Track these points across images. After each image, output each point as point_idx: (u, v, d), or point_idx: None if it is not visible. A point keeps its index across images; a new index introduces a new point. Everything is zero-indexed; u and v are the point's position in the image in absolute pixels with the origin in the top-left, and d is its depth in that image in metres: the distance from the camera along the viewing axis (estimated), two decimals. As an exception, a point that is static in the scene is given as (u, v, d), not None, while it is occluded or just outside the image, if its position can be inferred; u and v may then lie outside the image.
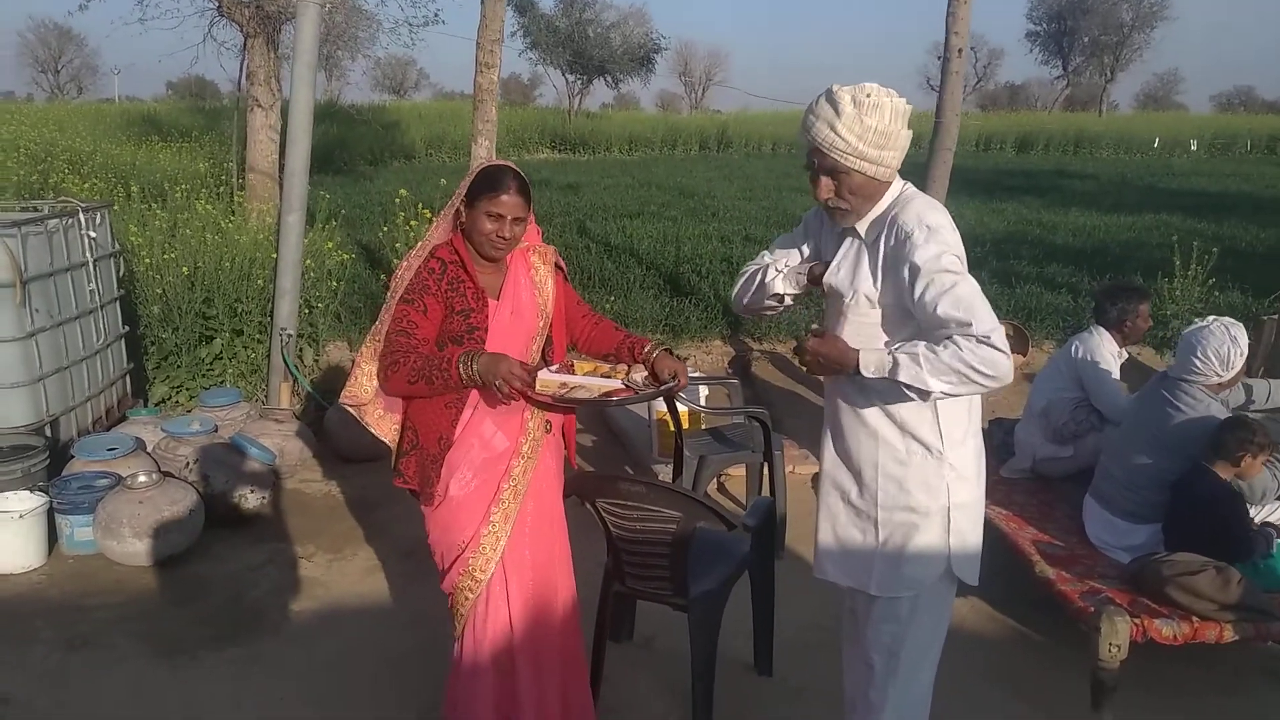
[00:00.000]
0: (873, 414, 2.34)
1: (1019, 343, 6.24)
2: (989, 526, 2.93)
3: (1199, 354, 3.47)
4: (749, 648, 3.35)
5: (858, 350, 2.21)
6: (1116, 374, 4.17)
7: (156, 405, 5.47)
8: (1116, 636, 2.92)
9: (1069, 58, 45.19)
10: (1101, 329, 4.22)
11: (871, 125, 2.15)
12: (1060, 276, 8.49)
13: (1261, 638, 3.06)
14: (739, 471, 4.89)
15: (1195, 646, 3.03)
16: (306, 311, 5.89)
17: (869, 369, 2.18)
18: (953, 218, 2.27)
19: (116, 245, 5.26)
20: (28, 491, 3.99)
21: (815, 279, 2.42)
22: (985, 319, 2.09)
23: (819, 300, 2.51)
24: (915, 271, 2.15)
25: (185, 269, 5.58)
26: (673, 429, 4.21)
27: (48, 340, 4.45)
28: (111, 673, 3.28)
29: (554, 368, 2.58)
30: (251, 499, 4.34)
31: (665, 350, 2.64)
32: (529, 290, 2.60)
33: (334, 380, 5.81)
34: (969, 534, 2.38)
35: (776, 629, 3.34)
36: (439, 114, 26.98)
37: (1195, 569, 3.05)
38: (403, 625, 3.60)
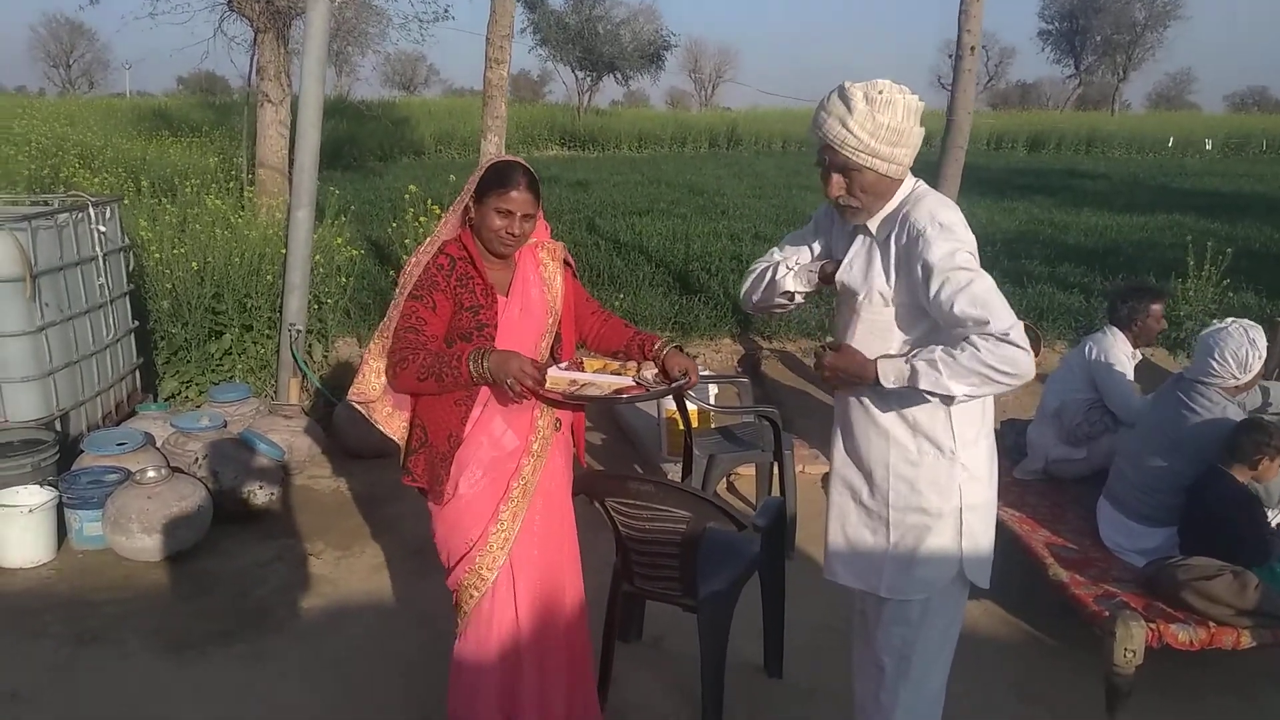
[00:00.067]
0: (883, 414, 2.32)
1: (1030, 343, 6.19)
2: (1001, 528, 2.90)
3: (1216, 356, 3.43)
4: (759, 649, 3.32)
5: (875, 361, 2.20)
6: (1130, 375, 4.13)
7: (166, 400, 5.47)
8: (1132, 642, 2.89)
9: (1081, 57, 44.97)
10: (1115, 329, 4.19)
11: (884, 122, 2.13)
12: (1072, 276, 8.45)
13: (1279, 643, 3.03)
14: (749, 471, 4.87)
15: (1211, 651, 3.00)
16: (315, 307, 5.89)
17: (889, 380, 2.17)
18: (964, 216, 2.25)
19: (126, 240, 5.27)
20: (37, 486, 4.00)
21: (827, 277, 2.39)
22: (1003, 316, 2.06)
23: (829, 298, 2.48)
24: (929, 270, 2.12)
25: (195, 264, 5.58)
26: (682, 428, 4.21)
27: (57, 335, 4.46)
28: (120, 668, 3.28)
29: (563, 365, 2.56)
30: (260, 495, 4.34)
31: (675, 347, 2.62)
32: (538, 286, 2.58)
33: (343, 376, 5.81)
34: (981, 536, 2.36)
35: (787, 630, 3.32)
36: (449, 110, 27.03)
37: (1211, 573, 3.02)
38: (410, 623, 3.59)
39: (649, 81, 46.24)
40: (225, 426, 4.69)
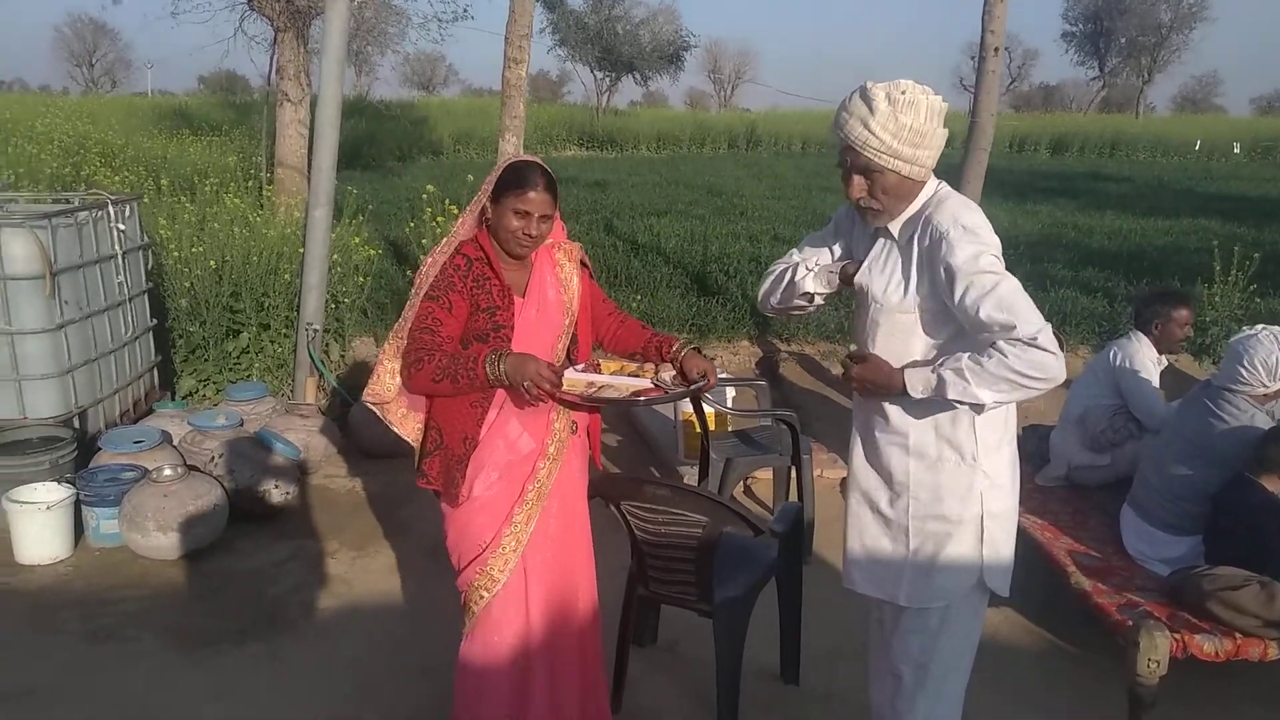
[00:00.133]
0: (903, 421, 2.28)
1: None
2: (1023, 535, 2.86)
3: (1245, 363, 3.37)
4: (775, 654, 3.29)
5: (903, 371, 2.18)
6: (1156, 381, 4.07)
7: (183, 399, 5.50)
8: (1156, 652, 2.84)
9: (1105, 59, 44.58)
10: (1141, 335, 4.13)
11: (906, 123, 2.10)
12: (1096, 281, 8.35)
13: (1307, 656, 2.96)
14: (766, 475, 4.83)
15: (1237, 662, 2.94)
16: (333, 306, 5.89)
17: (917, 390, 2.15)
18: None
19: (145, 238, 5.29)
20: (55, 483, 4.02)
21: (848, 278, 2.36)
22: (1030, 320, 2.03)
23: (848, 301, 2.45)
24: (953, 274, 2.09)
25: (213, 262, 5.59)
26: (699, 430, 4.18)
27: (76, 332, 4.48)
28: (135, 665, 3.29)
29: (579, 366, 2.54)
30: (276, 494, 4.34)
31: (694, 349, 2.59)
32: (555, 287, 2.56)
33: (360, 375, 5.81)
34: (1002, 544, 2.32)
35: (804, 636, 3.28)
36: (467, 110, 27.13)
37: (1238, 583, 2.96)
38: (425, 624, 3.57)
39: (668, 82, 46.40)
40: (242, 425, 4.70)
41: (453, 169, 16.00)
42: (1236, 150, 28.59)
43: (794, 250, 2.53)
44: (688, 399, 3.25)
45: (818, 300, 2.45)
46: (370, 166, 16.99)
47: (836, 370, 6.49)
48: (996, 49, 6.07)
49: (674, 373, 2.55)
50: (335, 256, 5.85)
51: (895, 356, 2.23)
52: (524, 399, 2.32)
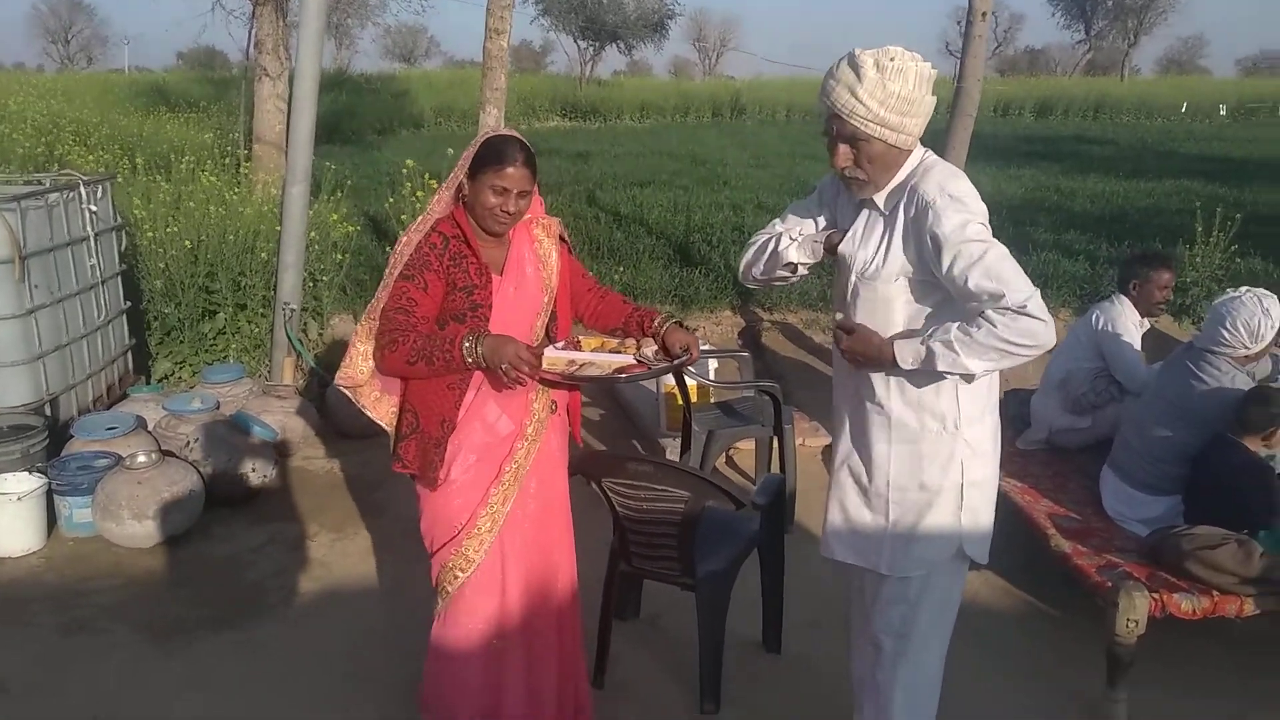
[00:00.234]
0: (886, 388, 2.26)
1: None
2: (1003, 499, 2.86)
3: (1228, 325, 3.35)
4: (757, 623, 3.29)
5: (892, 343, 2.16)
6: (1138, 344, 4.07)
7: (159, 382, 5.43)
8: (1134, 612, 2.85)
9: (1091, 22, 44.35)
10: (1123, 297, 4.13)
11: (895, 91, 2.05)
12: (1078, 244, 8.33)
13: (1283, 611, 2.98)
14: (748, 445, 4.81)
15: (1213, 619, 2.96)
16: (311, 285, 5.82)
17: (906, 361, 2.13)
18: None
19: (119, 219, 5.19)
20: (26, 473, 3.94)
21: (832, 248, 2.33)
22: (1019, 287, 2.01)
23: (830, 269, 2.41)
24: (940, 243, 2.06)
25: (188, 242, 5.51)
26: (681, 403, 4.16)
27: (47, 317, 4.40)
28: (108, 657, 3.23)
29: (560, 344, 2.49)
30: (253, 478, 4.29)
31: (675, 323, 2.55)
32: (533, 264, 2.50)
33: (338, 355, 5.68)
34: (982, 512, 2.32)
35: (786, 605, 3.28)
36: (449, 82, 26.78)
37: (1216, 542, 2.97)
38: (405, 607, 3.53)
39: (652, 51, 46.02)
40: (218, 408, 4.65)
41: (434, 142, 15.86)
42: (1222, 112, 28.57)
43: (777, 220, 2.49)
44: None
45: (801, 270, 2.41)
46: (350, 141, 16.78)
47: (820, 338, 6.47)
48: (984, 13, 5.99)
49: (656, 347, 2.51)
50: (313, 234, 5.76)
51: (877, 327, 2.21)
52: (502, 381, 2.28)
